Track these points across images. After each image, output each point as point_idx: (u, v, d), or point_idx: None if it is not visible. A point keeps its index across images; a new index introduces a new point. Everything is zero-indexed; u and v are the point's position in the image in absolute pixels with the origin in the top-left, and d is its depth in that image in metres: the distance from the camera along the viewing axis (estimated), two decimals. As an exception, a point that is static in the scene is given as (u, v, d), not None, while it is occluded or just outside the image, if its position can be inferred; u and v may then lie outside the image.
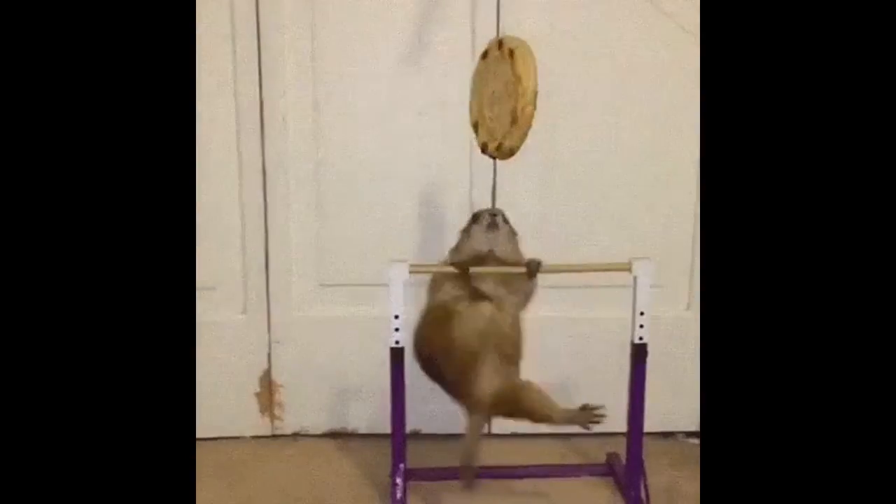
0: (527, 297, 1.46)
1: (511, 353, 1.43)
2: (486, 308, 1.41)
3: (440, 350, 1.43)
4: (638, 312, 1.43)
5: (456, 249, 1.48)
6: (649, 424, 1.76)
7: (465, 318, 1.40)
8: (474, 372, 1.41)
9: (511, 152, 1.36)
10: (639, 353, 1.45)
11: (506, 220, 1.47)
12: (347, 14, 1.63)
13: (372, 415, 1.72)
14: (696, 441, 1.80)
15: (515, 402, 1.42)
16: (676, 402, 1.79)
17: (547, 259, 1.43)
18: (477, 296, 1.42)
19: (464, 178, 1.70)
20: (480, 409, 1.43)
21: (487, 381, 1.41)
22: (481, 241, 1.43)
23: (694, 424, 1.80)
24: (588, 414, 1.41)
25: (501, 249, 1.44)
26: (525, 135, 1.32)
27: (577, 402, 1.75)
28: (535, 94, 1.29)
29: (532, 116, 1.30)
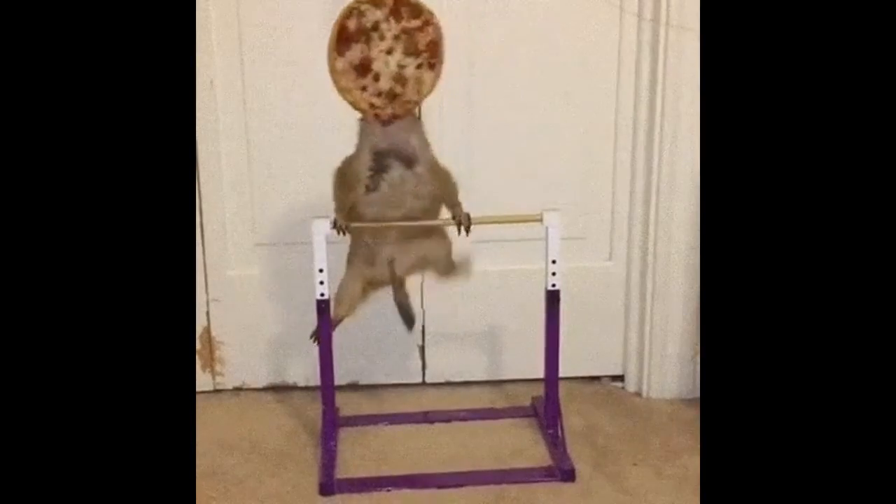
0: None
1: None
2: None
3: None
4: (550, 261, 1.50)
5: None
6: (577, 370, 1.86)
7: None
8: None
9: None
10: (552, 299, 1.53)
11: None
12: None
13: (310, 368, 1.78)
14: (620, 384, 1.89)
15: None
16: (602, 348, 1.89)
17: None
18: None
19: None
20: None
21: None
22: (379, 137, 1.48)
23: (618, 369, 1.90)
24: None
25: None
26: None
27: (508, 347, 1.86)
28: None
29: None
